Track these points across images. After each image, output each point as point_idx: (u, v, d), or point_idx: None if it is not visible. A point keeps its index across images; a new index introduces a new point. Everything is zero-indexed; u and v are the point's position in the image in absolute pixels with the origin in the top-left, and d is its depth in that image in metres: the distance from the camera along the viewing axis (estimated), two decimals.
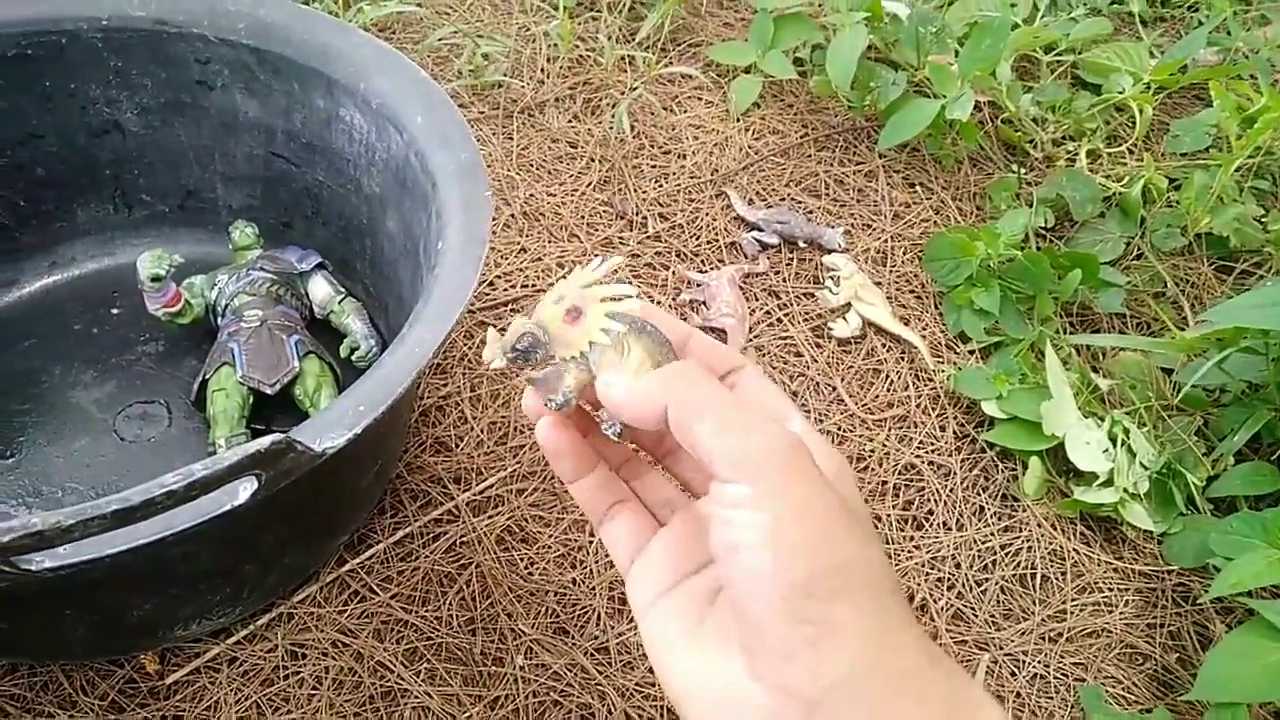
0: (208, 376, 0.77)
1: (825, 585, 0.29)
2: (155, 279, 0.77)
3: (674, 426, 0.32)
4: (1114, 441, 0.81)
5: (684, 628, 0.33)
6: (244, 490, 0.49)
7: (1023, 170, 1.09)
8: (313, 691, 0.68)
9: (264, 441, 0.45)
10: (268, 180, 0.87)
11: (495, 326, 0.36)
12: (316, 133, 0.81)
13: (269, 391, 0.76)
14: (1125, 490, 0.79)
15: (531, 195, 1.02)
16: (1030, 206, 1.02)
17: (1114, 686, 0.74)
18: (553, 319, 0.35)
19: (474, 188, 0.67)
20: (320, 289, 0.85)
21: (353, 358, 0.83)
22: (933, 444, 0.86)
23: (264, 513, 0.58)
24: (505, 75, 1.12)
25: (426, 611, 0.72)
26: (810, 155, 1.10)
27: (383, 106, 0.74)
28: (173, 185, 0.88)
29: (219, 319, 0.82)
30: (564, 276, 0.36)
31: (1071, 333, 0.94)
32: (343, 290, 0.86)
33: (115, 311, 0.86)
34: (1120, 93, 1.10)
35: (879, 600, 0.30)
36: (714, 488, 0.31)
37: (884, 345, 0.93)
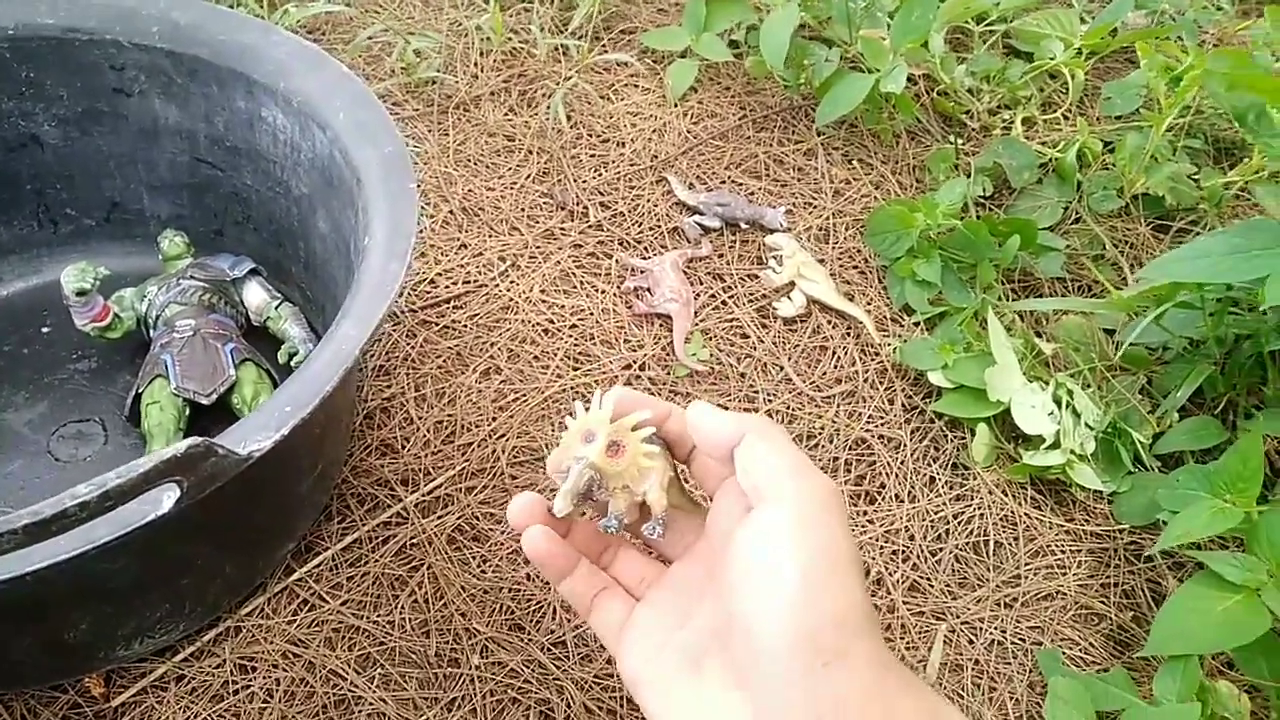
0: (141, 390, 0.75)
1: (843, 626, 0.32)
2: (80, 293, 0.75)
3: (748, 454, 0.36)
4: (1059, 404, 0.82)
5: (681, 680, 0.37)
6: (166, 499, 0.48)
7: (960, 141, 1.10)
8: (264, 705, 0.66)
9: (180, 446, 0.44)
10: (194, 187, 0.85)
11: (554, 472, 0.41)
12: (240, 135, 0.79)
13: (205, 402, 0.74)
14: (1072, 452, 0.80)
15: (470, 190, 1.01)
16: (968, 176, 1.02)
17: (1071, 648, 0.74)
18: (599, 456, 0.39)
19: (399, 180, 0.66)
20: (255, 295, 0.84)
21: (291, 363, 0.81)
22: (882, 418, 0.86)
23: (196, 523, 0.57)
24: (438, 71, 1.10)
25: (378, 616, 0.71)
26: (749, 136, 1.10)
27: (304, 104, 0.73)
28: (97, 198, 0.86)
29: (151, 331, 0.80)
30: (573, 415, 0.41)
31: (1014, 299, 0.95)
32: (278, 295, 0.84)
33: (45, 330, 0.84)
34: (1052, 59, 1.10)
35: (879, 646, 0.33)
36: (759, 514, 0.34)
37: (829, 322, 0.93)
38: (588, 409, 0.41)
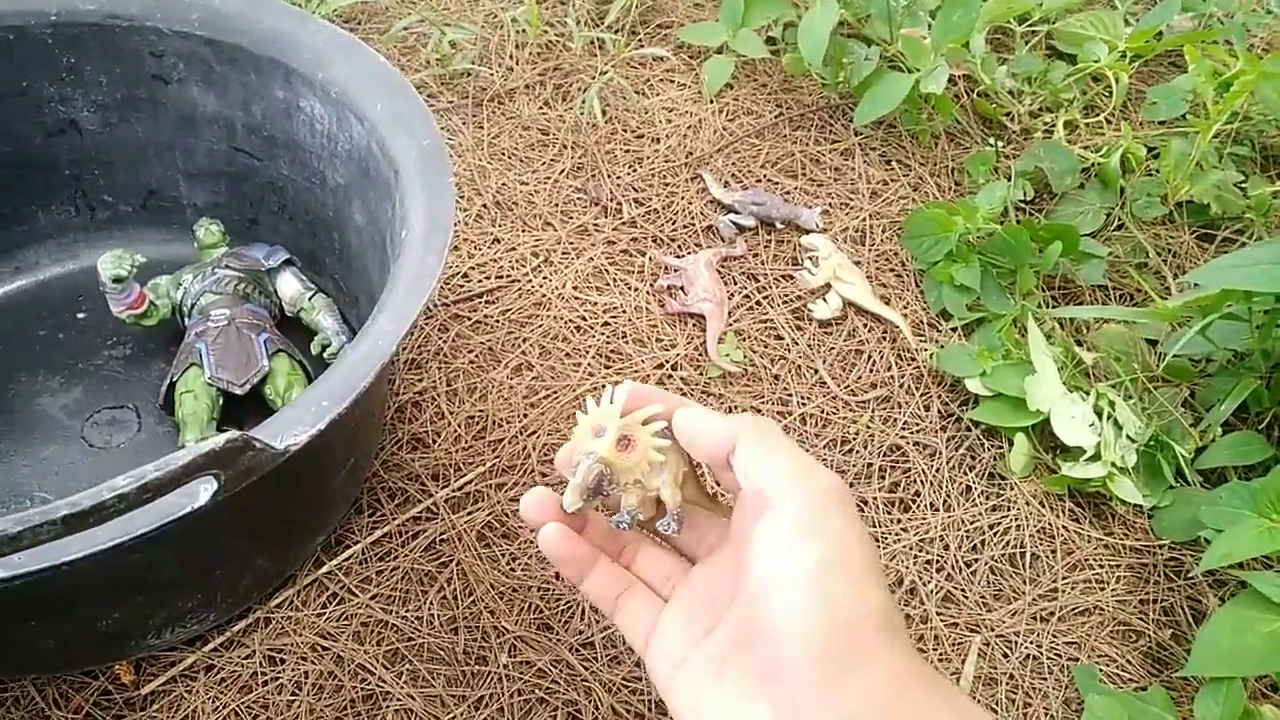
0: (175, 379, 0.75)
1: (857, 628, 0.31)
2: (117, 280, 0.75)
3: (742, 459, 0.36)
4: (1100, 415, 0.80)
5: (707, 687, 0.36)
6: (204, 492, 0.48)
7: (1000, 143, 1.08)
8: (292, 697, 0.66)
9: (219, 440, 0.44)
10: (231, 176, 0.85)
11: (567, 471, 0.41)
12: (278, 124, 0.79)
13: (239, 392, 0.74)
14: (1113, 464, 0.78)
15: (504, 184, 1.00)
16: (1008, 180, 1.00)
17: (1108, 665, 0.73)
18: (608, 451, 0.39)
19: (437, 173, 0.66)
20: (289, 286, 0.83)
21: (324, 355, 0.81)
22: (917, 424, 0.85)
23: (230, 515, 0.56)
24: (473, 63, 1.10)
25: (407, 612, 0.71)
26: (785, 135, 1.09)
27: (342, 95, 0.72)
28: (134, 184, 0.86)
29: (186, 319, 0.80)
30: (584, 411, 0.40)
31: (1054, 306, 0.93)
32: (312, 286, 0.84)
33: (80, 316, 0.84)
34: (1096, 62, 1.08)
35: (897, 644, 0.32)
36: (765, 519, 0.34)
37: (865, 325, 0.92)
38: (599, 404, 0.40)
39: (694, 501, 0.42)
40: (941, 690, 0.32)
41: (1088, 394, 0.82)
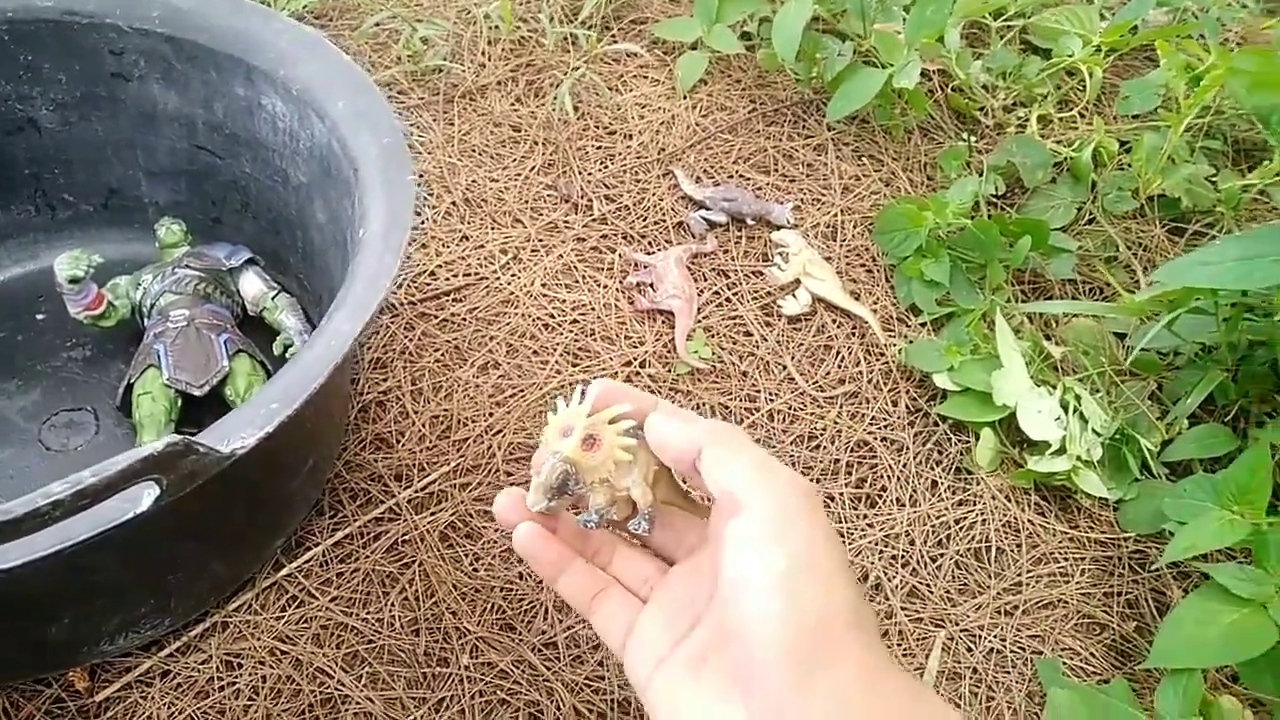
0: (133, 380, 0.74)
1: (826, 628, 0.32)
2: (74, 281, 0.74)
3: (707, 464, 0.35)
4: (1066, 409, 0.80)
5: (684, 688, 0.36)
6: (146, 497, 0.47)
7: (973, 138, 1.08)
8: (249, 702, 0.65)
9: (158, 444, 0.43)
10: (193, 174, 0.84)
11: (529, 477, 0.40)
12: (239, 122, 0.78)
13: (198, 393, 0.73)
14: (1078, 458, 0.78)
15: (474, 181, 1.00)
16: (981, 175, 1.00)
17: (1072, 658, 0.73)
18: (573, 450, 0.38)
19: (397, 172, 0.65)
20: (252, 285, 0.83)
21: (287, 355, 0.80)
22: (885, 419, 0.84)
23: (181, 519, 0.56)
24: (445, 59, 1.09)
25: (368, 614, 0.70)
26: (759, 130, 1.08)
27: (303, 92, 0.72)
28: (95, 183, 0.85)
29: (145, 320, 0.79)
30: (554, 410, 0.40)
31: (1024, 301, 0.93)
32: (275, 286, 0.83)
33: (40, 317, 0.83)
34: (1070, 56, 1.08)
35: (867, 642, 0.32)
36: (732, 523, 0.33)
37: (834, 321, 0.91)
38: (568, 404, 0.40)
39: (670, 502, 0.42)
40: (911, 687, 0.33)
41: (1055, 388, 0.82)
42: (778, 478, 0.34)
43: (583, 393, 0.39)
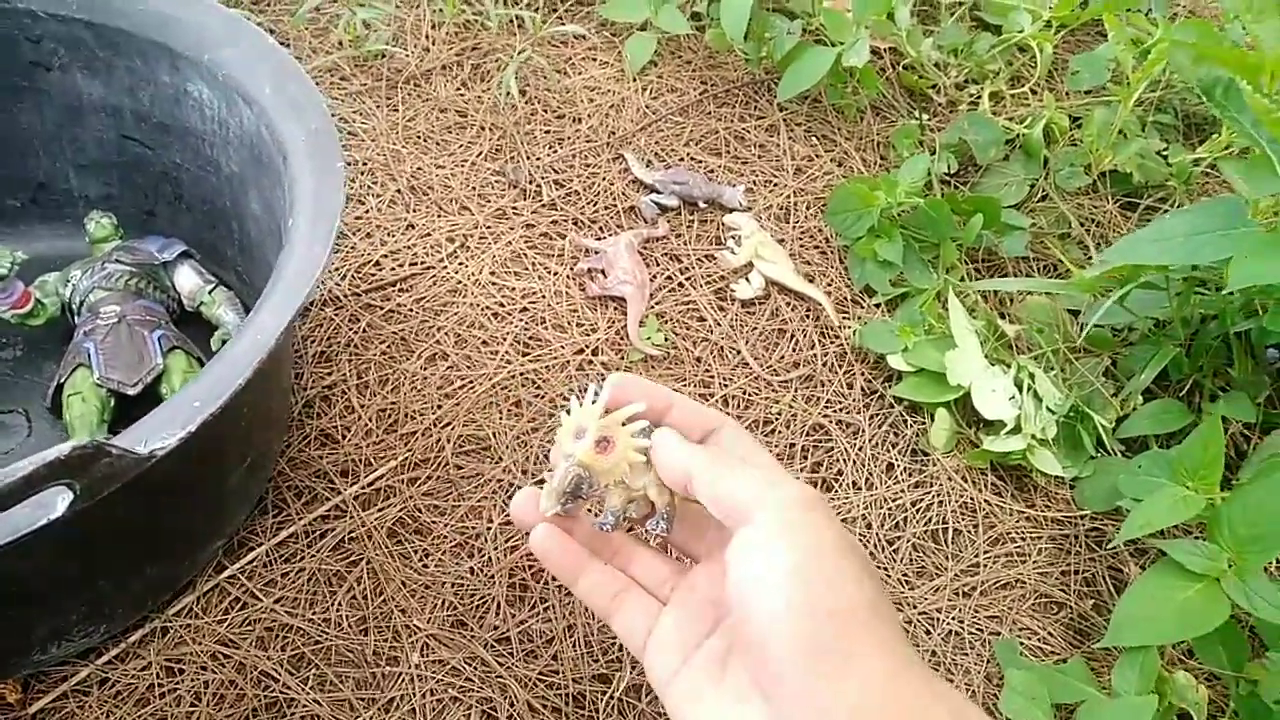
0: (63, 380, 0.71)
1: (836, 623, 0.31)
2: None
3: (701, 488, 0.36)
4: (1020, 388, 0.80)
5: (707, 690, 0.36)
6: (60, 502, 0.45)
7: (926, 116, 1.07)
8: (191, 708, 0.63)
9: (64, 448, 0.41)
10: (123, 166, 0.81)
11: (542, 481, 0.41)
12: (167, 111, 0.76)
13: (131, 392, 0.71)
14: (1033, 437, 0.77)
15: (419, 168, 0.97)
16: (933, 153, 0.99)
17: (1030, 638, 0.72)
18: (586, 454, 0.38)
19: (325, 159, 0.63)
20: (187, 279, 0.80)
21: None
22: (840, 402, 0.84)
23: (105, 522, 0.54)
24: (388, 44, 1.06)
25: (314, 614, 0.68)
26: (710, 112, 1.07)
27: (229, 78, 0.69)
28: (20, 177, 0.82)
29: (76, 318, 0.76)
30: (567, 411, 0.39)
31: (978, 279, 0.93)
32: (213, 279, 0.81)
33: None
34: (1020, 32, 1.07)
35: (888, 638, 0.32)
36: (739, 533, 0.34)
37: (788, 304, 0.90)
38: (581, 403, 0.39)
39: (688, 499, 0.41)
40: (936, 684, 0.32)
41: (1009, 366, 0.81)
42: (780, 489, 0.35)
43: (596, 391, 0.39)
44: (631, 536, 0.43)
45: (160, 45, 0.72)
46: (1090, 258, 0.95)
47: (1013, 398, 0.79)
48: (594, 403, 0.39)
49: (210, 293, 0.79)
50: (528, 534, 0.41)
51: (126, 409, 0.72)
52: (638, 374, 0.82)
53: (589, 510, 0.41)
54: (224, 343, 0.78)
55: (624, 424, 0.39)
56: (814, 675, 0.31)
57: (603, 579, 0.41)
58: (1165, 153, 1.01)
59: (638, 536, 0.43)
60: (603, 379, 0.40)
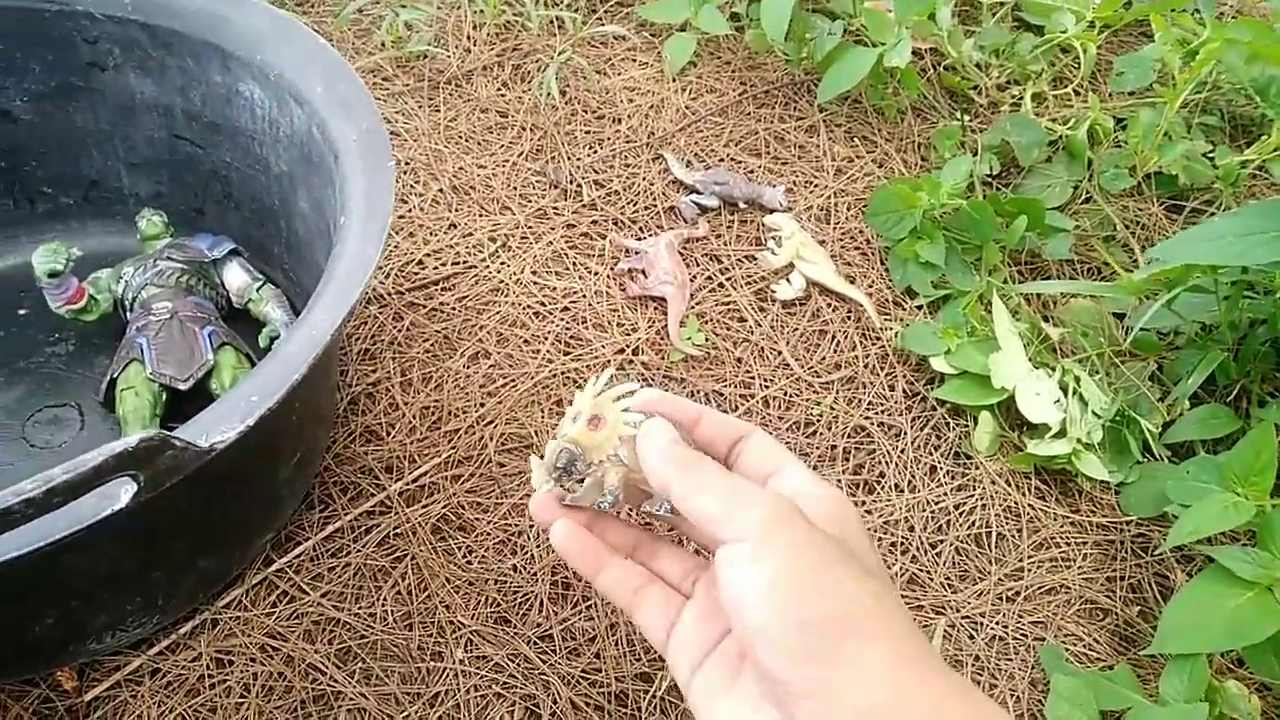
0: (115, 375, 0.72)
1: (828, 627, 0.31)
2: (52, 274, 0.73)
3: (677, 502, 0.35)
4: (1065, 391, 0.79)
5: (723, 690, 0.36)
6: (124, 493, 0.46)
7: (967, 117, 1.07)
8: (240, 700, 0.64)
9: (132, 440, 0.42)
10: (174, 165, 0.82)
11: (536, 455, 0.42)
12: (218, 110, 0.77)
13: (182, 387, 0.72)
14: (1079, 441, 0.77)
15: (461, 168, 0.98)
16: (975, 154, 0.99)
17: (1075, 644, 0.72)
18: (579, 432, 0.39)
19: (376, 158, 0.64)
20: (236, 277, 0.81)
21: (273, 347, 0.79)
22: (882, 404, 0.83)
23: (164, 515, 0.55)
24: (430, 45, 1.07)
25: (360, 609, 0.69)
26: (749, 113, 1.07)
27: (281, 78, 0.70)
28: (74, 175, 0.84)
29: (127, 313, 0.77)
30: (580, 390, 0.40)
31: (1020, 282, 0.92)
32: (260, 277, 0.82)
33: (22, 312, 0.81)
34: (1063, 32, 1.06)
35: (893, 636, 0.31)
36: (719, 551, 0.34)
37: (829, 305, 0.90)
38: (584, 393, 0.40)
39: None
40: (949, 679, 0.32)
41: (1053, 370, 0.81)
42: (750, 509, 0.34)
43: (597, 379, 0.40)
44: (652, 532, 0.43)
45: (212, 45, 0.73)
46: (1135, 261, 0.94)
47: (1058, 401, 0.78)
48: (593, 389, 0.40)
49: (258, 290, 0.80)
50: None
51: (177, 404, 0.74)
52: (679, 374, 0.83)
53: (597, 507, 0.41)
54: (272, 339, 0.79)
55: (616, 400, 0.39)
56: (815, 682, 0.31)
57: (624, 574, 0.41)
58: (1211, 155, 0.99)
59: (658, 531, 0.43)
60: (618, 375, 0.40)
